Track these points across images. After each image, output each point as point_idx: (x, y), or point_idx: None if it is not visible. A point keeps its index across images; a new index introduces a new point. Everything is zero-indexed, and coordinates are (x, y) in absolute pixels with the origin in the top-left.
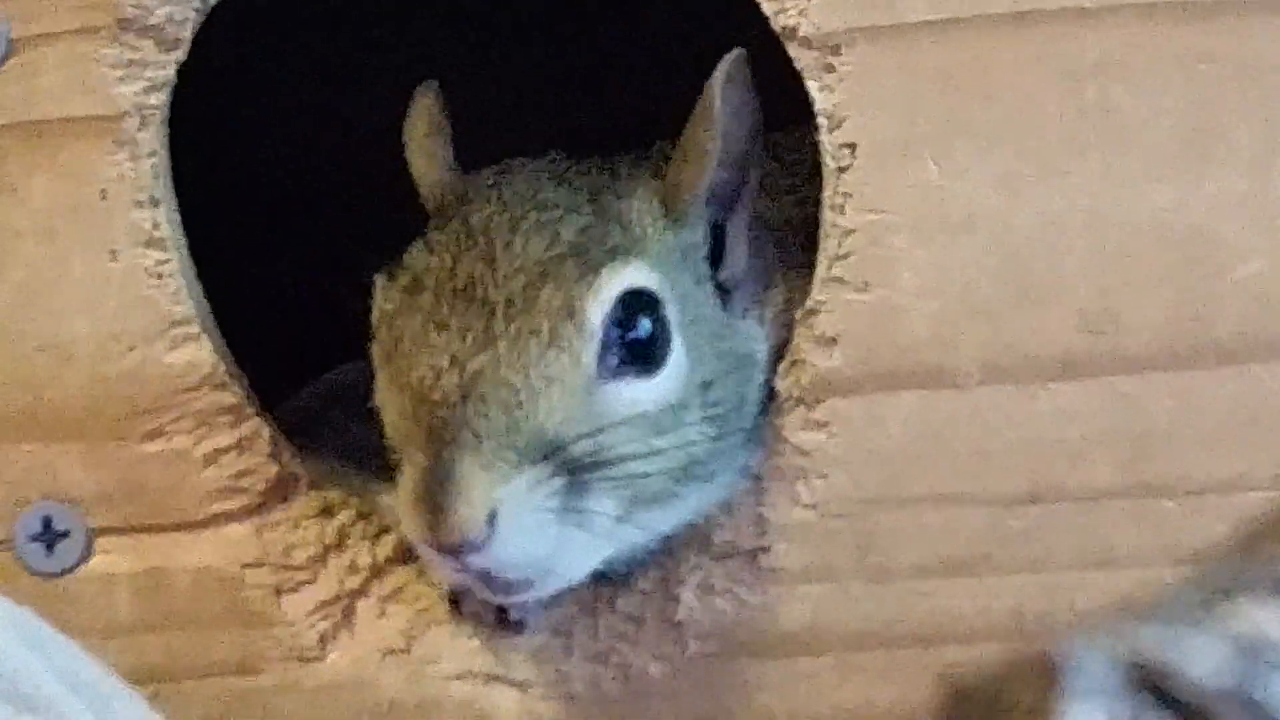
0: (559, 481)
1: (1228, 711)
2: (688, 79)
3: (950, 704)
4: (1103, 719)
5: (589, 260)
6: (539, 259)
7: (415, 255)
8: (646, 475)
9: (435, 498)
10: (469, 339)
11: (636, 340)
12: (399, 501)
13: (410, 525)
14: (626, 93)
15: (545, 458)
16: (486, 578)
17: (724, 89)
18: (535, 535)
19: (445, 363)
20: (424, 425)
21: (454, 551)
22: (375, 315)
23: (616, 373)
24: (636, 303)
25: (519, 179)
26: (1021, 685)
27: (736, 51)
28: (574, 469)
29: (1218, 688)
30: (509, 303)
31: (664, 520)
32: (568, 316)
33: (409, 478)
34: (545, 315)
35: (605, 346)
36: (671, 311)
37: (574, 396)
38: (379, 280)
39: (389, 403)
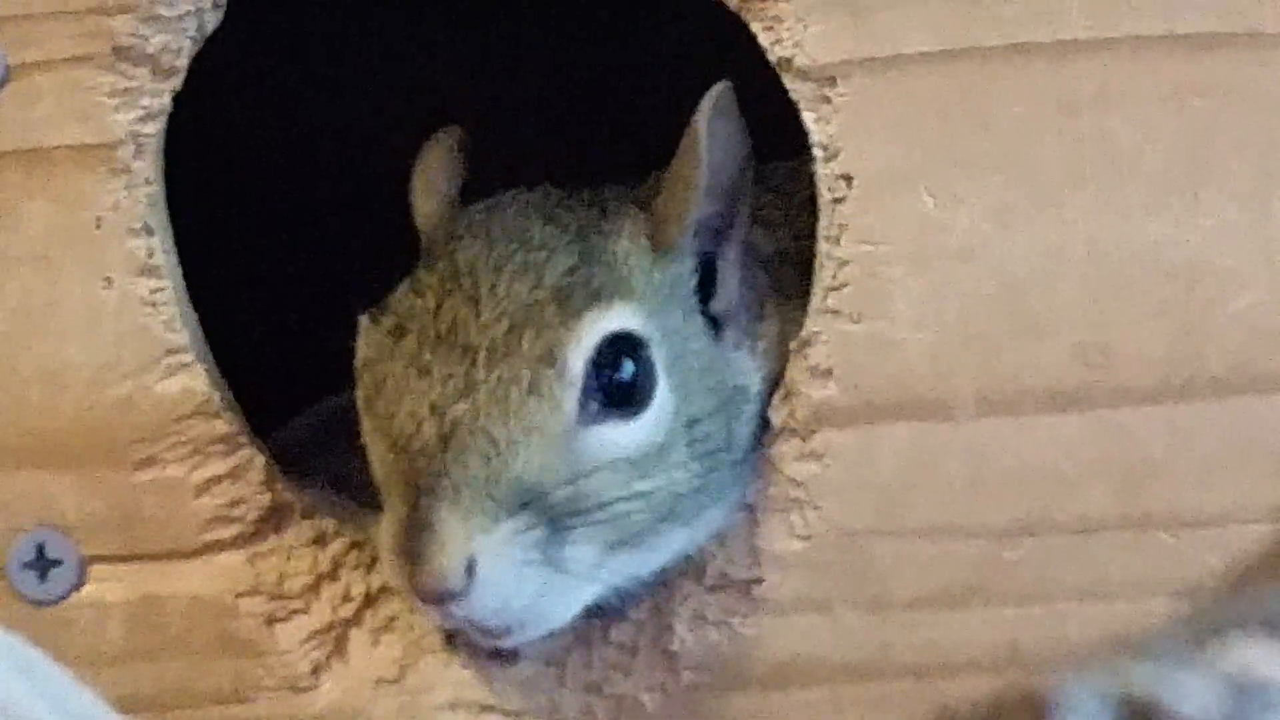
0: (539, 529)
1: None
2: (686, 109)
3: None
4: None
5: (571, 304)
6: (522, 302)
7: (400, 297)
8: (629, 517)
9: (414, 547)
10: (449, 386)
11: (619, 383)
12: (380, 549)
13: (391, 574)
14: (623, 123)
15: (525, 505)
16: (469, 623)
17: (710, 122)
18: (515, 584)
19: (426, 411)
20: (404, 474)
21: (434, 600)
22: (358, 359)
23: (598, 417)
24: (620, 345)
25: (508, 216)
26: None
27: (722, 84)
28: (555, 516)
29: None
30: (490, 349)
31: (649, 561)
32: (548, 364)
33: (388, 526)
34: (526, 362)
35: (587, 391)
36: (657, 351)
37: (554, 444)
38: (363, 323)
39: (372, 447)
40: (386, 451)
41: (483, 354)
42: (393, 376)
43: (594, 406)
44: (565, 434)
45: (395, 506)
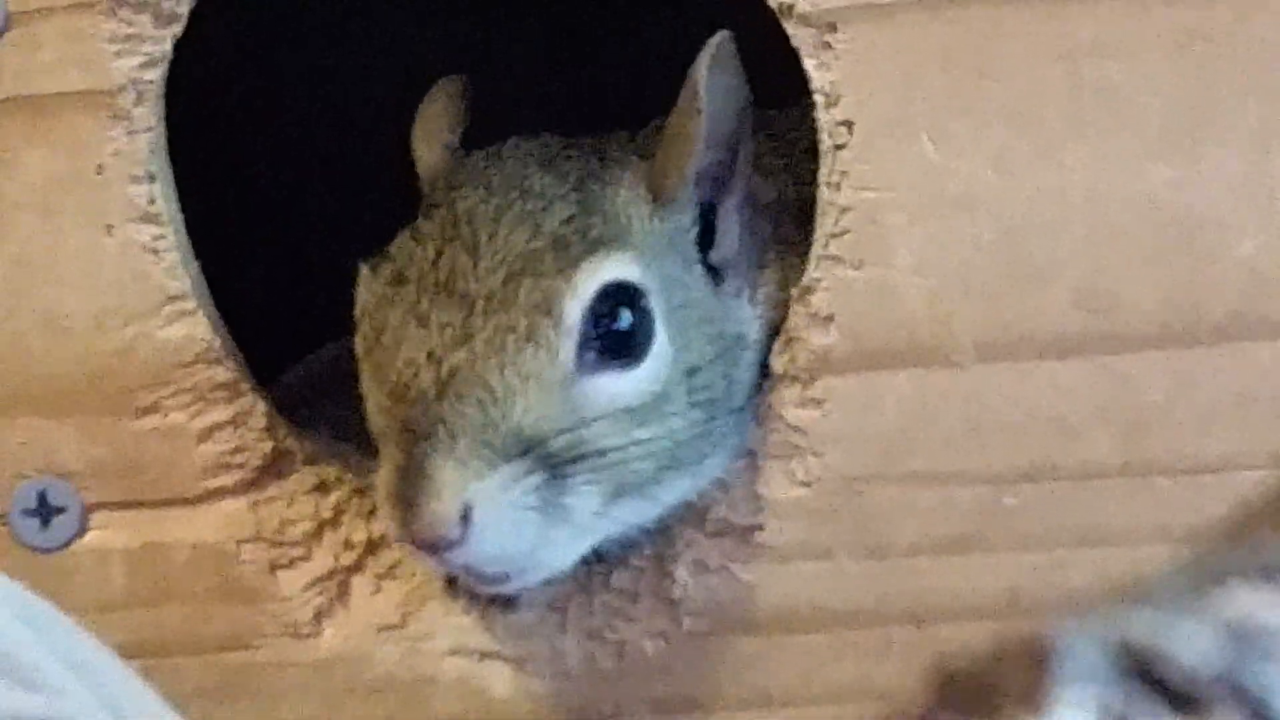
0: (537, 476)
1: (1219, 697)
2: (687, 58)
3: (940, 687)
4: (1093, 705)
5: (569, 253)
6: (520, 251)
7: (400, 246)
8: (629, 466)
9: (408, 494)
10: (447, 334)
11: (617, 332)
12: (376, 496)
13: (386, 521)
14: (624, 70)
15: (523, 454)
16: (468, 570)
17: (709, 72)
18: (512, 531)
19: (423, 358)
20: (400, 421)
21: (430, 548)
22: (358, 308)
23: (596, 366)
24: (617, 295)
25: (508, 164)
26: (1012, 670)
27: (721, 34)
28: (553, 464)
29: (1209, 673)
30: (488, 298)
31: (649, 508)
32: (545, 312)
33: (384, 474)
34: (523, 311)
35: (584, 340)
36: (655, 301)
37: (551, 392)
38: (363, 271)
39: (369, 395)
40: (384, 399)
41: (480, 303)
42: (391, 325)
43: (591, 356)
44: (563, 383)
45: (391, 454)
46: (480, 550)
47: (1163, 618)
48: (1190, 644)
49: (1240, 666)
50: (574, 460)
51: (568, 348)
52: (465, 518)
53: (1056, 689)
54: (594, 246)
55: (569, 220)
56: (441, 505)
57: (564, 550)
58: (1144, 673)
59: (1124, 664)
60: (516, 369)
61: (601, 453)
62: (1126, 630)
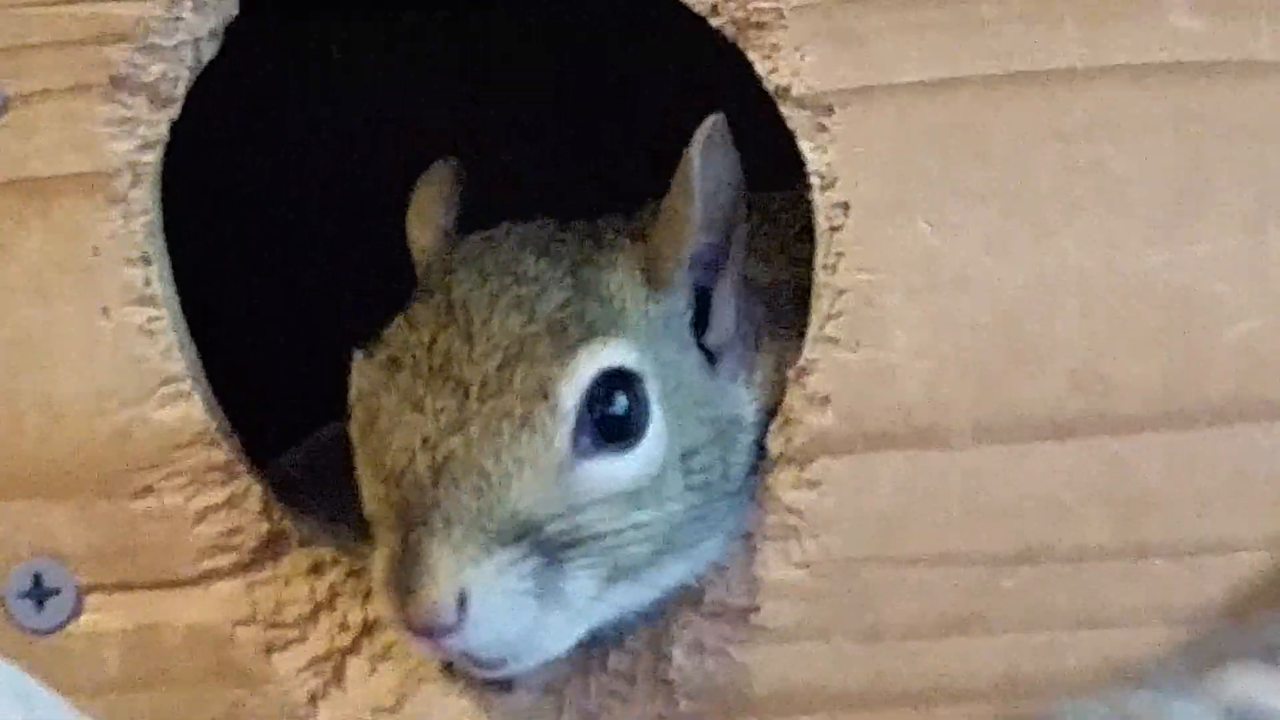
0: (533, 561)
1: None
2: (682, 138)
3: None
4: None
5: (565, 339)
6: (515, 337)
7: (395, 331)
8: (625, 550)
9: (405, 581)
10: (442, 420)
11: (613, 417)
12: (372, 582)
13: (383, 607)
14: (620, 150)
15: (519, 538)
16: (464, 656)
17: (703, 155)
18: (509, 616)
19: (418, 444)
20: (396, 507)
21: (426, 633)
22: (352, 393)
23: (592, 451)
24: (613, 380)
25: (502, 249)
26: None
27: (715, 116)
28: (549, 548)
29: None
30: (483, 383)
31: (646, 592)
32: (541, 398)
33: (380, 560)
34: (518, 397)
35: (580, 426)
36: (651, 385)
37: (547, 478)
38: (357, 357)
39: (364, 481)
40: (379, 485)
41: (476, 388)
42: (386, 410)
43: (587, 441)
44: (558, 468)
45: (387, 540)
46: (477, 636)
47: (1162, 699)
48: None
49: None
50: (570, 544)
51: (563, 433)
52: (461, 604)
53: None
54: (590, 332)
55: (564, 305)
56: (438, 591)
57: (561, 635)
58: None
59: None
60: (512, 454)
61: (598, 537)
62: (1125, 712)
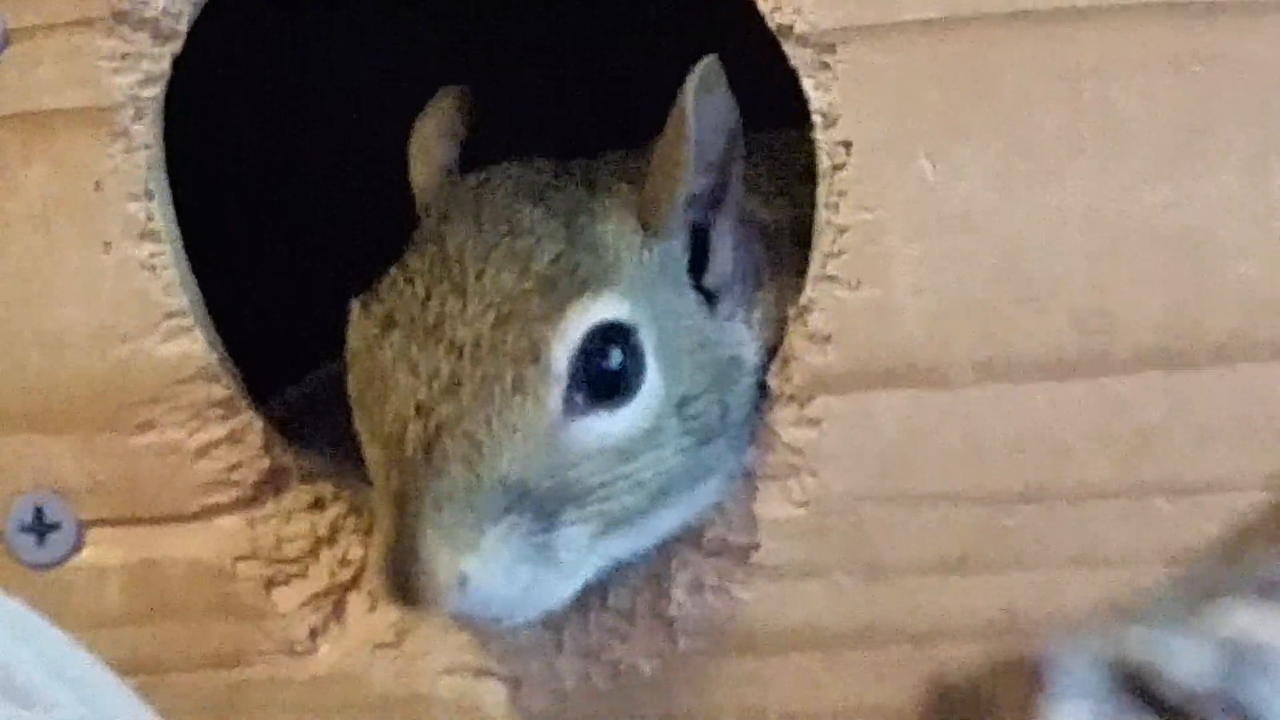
0: (526, 525)
1: (1212, 714)
2: (682, 78)
3: (934, 704)
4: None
5: (557, 295)
6: (508, 294)
7: (390, 284)
8: (619, 500)
9: (401, 569)
10: (435, 385)
11: (606, 371)
12: (370, 566)
13: (382, 592)
14: (619, 88)
15: (510, 507)
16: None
17: (697, 98)
18: (504, 585)
19: (411, 411)
20: (391, 482)
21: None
22: (349, 350)
23: (584, 408)
24: (606, 334)
25: (498, 196)
26: (1005, 686)
27: (708, 58)
28: (542, 507)
29: (1202, 690)
30: (476, 344)
31: (643, 539)
32: (532, 360)
33: (377, 544)
34: (510, 359)
35: (572, 384)
36: (645, 335)
37: (538, 441)
38: (354, 310)
39: (363, 440)
40: (376, 450)
41: (469, 349)
42: (381, 371)
43: (579, 398)
44: (550, 429)
45: (382, 523)
46: (474, 605)
47: (1158, 635)
48: (1185, 661)
49: (1236, 683)
50: (563, 500)
51: (555, 394)
52: (461, 584)
53: (1051, 705)
54: (583, 286)
55: (557, 259)
56: (435, 581)
57: (557, 590)
58: (1139, 690)
59: (1119, 681)
60: (504, 420)
61: (591, 491)
62: (1121, 647)
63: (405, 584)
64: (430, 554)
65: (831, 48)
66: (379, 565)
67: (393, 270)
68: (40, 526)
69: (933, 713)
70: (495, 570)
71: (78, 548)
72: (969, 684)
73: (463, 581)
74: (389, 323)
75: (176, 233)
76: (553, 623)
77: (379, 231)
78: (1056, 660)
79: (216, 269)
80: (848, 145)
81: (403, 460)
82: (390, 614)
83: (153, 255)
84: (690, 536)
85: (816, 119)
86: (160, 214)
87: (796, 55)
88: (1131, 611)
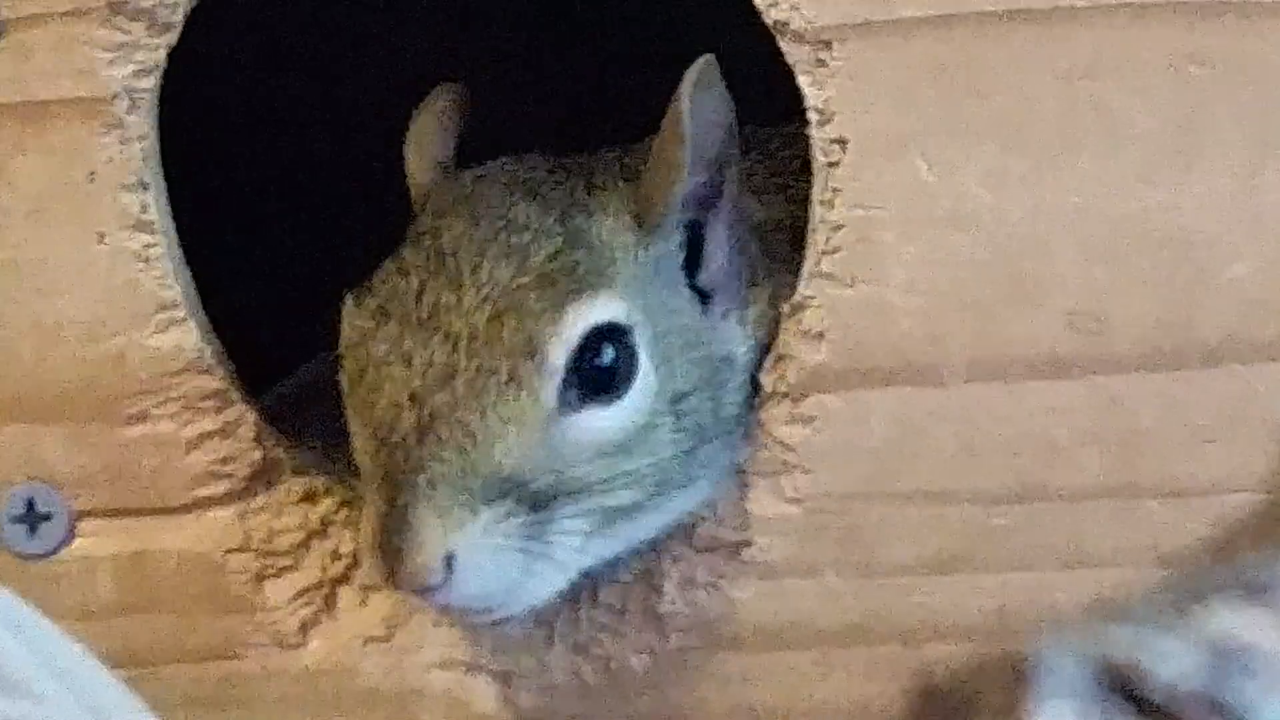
0: (519, 516)
1: (1197, 713)
2: (679, 75)
3: (921, 702)
4: (1072, 719)
5: (554, 293)
6: (504, 288)
7: (384, 278)
8: (613, 497)
9: (392, 545)
10: (429, 375)
11: (600, 368)
12: (360, 544)
13: (371, 570)
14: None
15: (503, 495)
16: (452, 609)
17: (693, 97)
18: (494, 572)
19: (405, 400)
20: (383, 466)
21: (416, 594)
22: (342, 342)
23: (579, 404)
24: (602, 334)
25: (494, 192)
26: (992, 684)
27: (704, 58)
28: (535, 500)
29: (1188, 690)
30: (471, 336)
31: (636, 535)
32: (528, 355)
33: (367, 521)
34: (505, 353)
35: (567, 381)
36: (640, 333)
37: (532, 434)
38: (348, 302)
39: (354, 432)
40: (368, 439)
41: (464, 341)
42: (374, 361)
43: (574, 394)
44: (544, 423)
45: (374, 500)
46: (463, 592)
47: (1143, 635)
48: (1170, 661)
49: (1220, 683)
50: (556, 496)
51: (550, 390)
52: (448, 564)
53: (1036, 704)
54: (580, 286)
55: (554, 256)
56: (424, 557)
57: (547, 583)
58: (1124, 688)
59: (1104, 680)
60: (498, 412)
61: (585, 487)
62: (1107, 646)
63: (394, 558)
64: (420, 526)
65: (828, 44)
66: (370, 541)
67: (387, 263)
68: (32, 517)
69: (919, 711)
70: (484, 553)
71: (69, 539)
72: (955, 682)
73: (450, 560)
74: (383, 315)
75: (171, 224)
76: (543, 618)
77: (374, 225)
78: (1042, 659)
79: (210, 261)
80: (843, 142)
81: (395, 445)
82: (381, 608)
83: (146, 246)
84: (682, 533)
85: (812, 115)
86: (155, 205)
87: (792, 52)
88: (1118, 611)
